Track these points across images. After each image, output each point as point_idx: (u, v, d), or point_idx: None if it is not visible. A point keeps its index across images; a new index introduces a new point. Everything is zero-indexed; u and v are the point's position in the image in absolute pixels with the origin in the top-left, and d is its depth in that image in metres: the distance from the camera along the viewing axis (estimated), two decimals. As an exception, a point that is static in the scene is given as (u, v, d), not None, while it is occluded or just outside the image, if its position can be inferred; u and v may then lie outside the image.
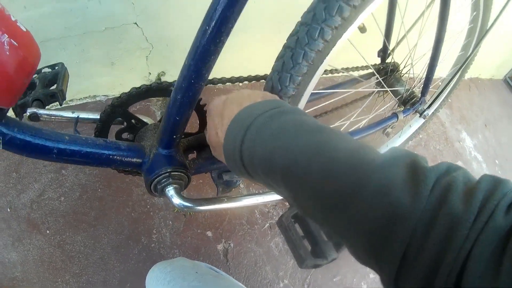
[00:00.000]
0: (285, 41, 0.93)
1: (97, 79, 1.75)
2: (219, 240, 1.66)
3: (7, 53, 0.56)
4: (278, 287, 1.65)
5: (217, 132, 0.73)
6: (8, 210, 1.50)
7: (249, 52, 1.98)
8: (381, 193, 0.45)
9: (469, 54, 1.52)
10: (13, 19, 0.58)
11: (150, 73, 1.84)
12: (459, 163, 2.40)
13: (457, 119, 2.77)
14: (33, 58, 0.63)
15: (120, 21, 1.54)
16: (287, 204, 1.81)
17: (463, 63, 1.51)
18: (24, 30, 0.60)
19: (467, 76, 3.18)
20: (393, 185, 0.45)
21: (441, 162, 0.49)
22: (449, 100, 2.54)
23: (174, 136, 0.86)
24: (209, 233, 1.66)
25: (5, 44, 0.56)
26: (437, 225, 0.42)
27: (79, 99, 1.79)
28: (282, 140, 0.57)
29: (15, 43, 0.57)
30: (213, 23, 0.68)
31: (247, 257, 1.67)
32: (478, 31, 1.55)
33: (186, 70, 0.75)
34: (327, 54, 0.90)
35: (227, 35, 0.72)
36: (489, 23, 1.51)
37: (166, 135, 0.86)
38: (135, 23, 1.58)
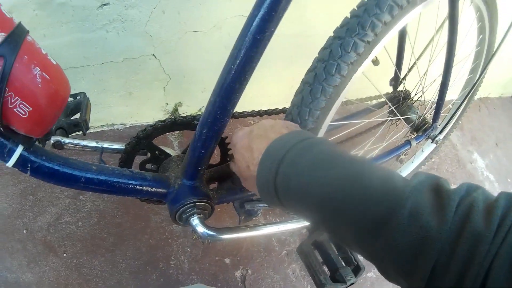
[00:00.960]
0: (303, 77, 0.96)
1: (115, 108, 1.78)
2: (237, 267, 1.67)
3: (40, 85, 0.60)
4: (294, 313, 1.65)
5: (248, 166, 0.75)
6: (24, 231, 1.52)
7: (263, 86, 2.01)
8: (412, 218, 0.49)
9: (477, 77, 1.54)
10: (43, 52, 0.62)
11: (167, 103, 1.87)
12: (471, 185, 2.41)
13: (468, 141, 2.78)
14: (64, 91, 0.66)
15: (138, 52, 1.58)
16: (303, 231, 1.83)
17: (472, 86, 1.54)
18: (54, 63, 0.64)
19: (477, 96, 3.18)
20: (422, 210, 0.49)
21: (461, 184, 0.53)
22: (460, 122, 2.56)
23: (199, 168, 0.89)
24: (227, 260, 1.68)
25: (37, 77, 0.59)
26: (461, 242, 0.45)
27: (96, 127, 1.82)
28: (317, 172, 0.60)
29: (47, 76, 0.60)
30: (238, 62, 0.72)
31: (264, 283, 1.68)
32: (485, 53, 1.58)
33: (211, 106, 0.78)
34: (344, 88, 0.94)
35: (251, 73, 0.76)
36: (495, 45, 1.55)
37: (191, 167, 0.89)
38: (153, 54, 1.61)
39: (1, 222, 1.52)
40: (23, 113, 0.60)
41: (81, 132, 0.97)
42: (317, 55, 0.95)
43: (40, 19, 1.30)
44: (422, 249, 0.48)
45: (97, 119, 1.81)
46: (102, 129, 1.84)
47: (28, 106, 0.59)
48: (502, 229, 0.44)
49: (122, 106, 1.78)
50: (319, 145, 0.65)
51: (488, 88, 3.21)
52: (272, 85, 1.95)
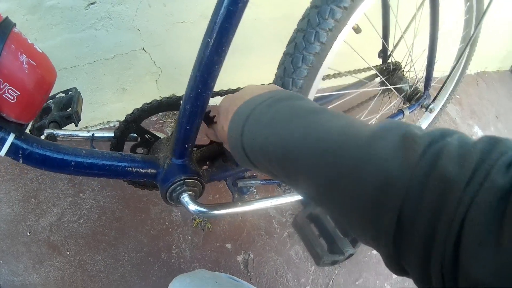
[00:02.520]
0: (284, 49, 0.97)
1: (110, 106, 1.79)
2: (239, 251, 1.68)
3: (26, 71, 0.62)
4: (301, 294, 1.66)
5: (223, 126, 0.75)
6: (28, 234, 1.53)
7: (250, 71, 2.02)
8: (372, 165, 0.45)
9: (466, 43, 1.54)
10: (29, 41, 0.64)
11: (161, 96, 1.86)
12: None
13: (468, 115, 2.77)
14: (50, 76, 0.68)
15: (128, 47, 1.59)
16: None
17: (462, 53, 1.55)
18: (40, 51, 0.66)
19: (473, 70, 3.17)
20: (383, 155, 0.44)
21: (436, 128, 0.47)
22: (458, 96, 2.56)
23: (186, 145, 0.90)
24: (228, 246, 1.69)
25: (24, 63, 0.61)
26: (428, 190, 0.40)
27: (93, 126, 1.83)
28: (275, 127, 0.59)
29: (33, 62, 0.62)
30: (214, 35, 0.73)
31: (267, 266, 1.68)
32: (474, 21, 1.58)
33: (192, 81, 0.79)
34: (325, 56, 0.94)
35: (228, 45, 0.76)
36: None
37: (179, 145, 0.90)
38: (143, 48, 1.62)
39: (5, 227, 1.54)
40: (12, 98, 0.62)
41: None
42: (296, 26, 0.95)
43: (31, 23, 1.31)
44: (384, 199, 0.43)
45: (93, 117, 1.82)
46: (99, 127, 1.85)
47: (16, 91, 0.62)
48: (479, 174, 0.38)
49: (117, 103, 1.79)
50: (284, 100, 0.64)
51: (484, 62, 3.20)
52: (259, 70, 1.95)
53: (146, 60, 1.68)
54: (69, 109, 1.03)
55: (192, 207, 0.91)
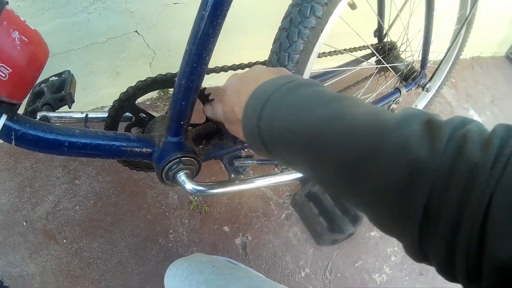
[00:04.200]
0: (280, 24, 0.96)
1: (103, 90, 1.78)
2: (237, 234, 1.68)
3: (19, 48, 0.61)
4: (299, 277, 1.65)
5: (233, 108, 0.72)
6: (24, 224, 1.53)
7: (245, 51, 2.01)
8: (399, 151, 0.44)
9: (462, 24, 1.53)
10: (22, 19, 0.63)
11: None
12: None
13: (463, 98, 2.77)
14: (42, 53, 0.67)
15: (121, 30, 1.57)
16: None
17: (457, 34, 1.54)
18: (33, 28, 0.65)
19: (469, 55, 3.17)
20: (410, 142, 0.44)
21: (455, 116, 0.48)
22: (453, 80, 2.55)
23: (182, 123, 0.88)
24: (226, 228, 1.68)
25: (16, 40, 0.60)
26: (456, 174, 0.41)
27: (87, 111, 1.82)
28: (300, 113, 0.57)
29: (25, 39, 0.61)
30: (209, 8, 0.71)
31: (266, 249, 1.68)
32: (470, 1, 1.56)
33: (187, 55, 0.78)
34: (321, 31, 0.93)
35: (223, 17, 0.74)
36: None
37: (174, 122, 0.88)
38: (136, 31, 1.60)
39: (1, 218, 1.53)
40: (3, 75, 0.61)
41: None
42: (291, 1, 0.94)
43: (23, 9, 1.30)
44: (412, 185, 0.43)
45: (87, 103, 1.80)
46: (93, 112, 1.83)
47: (8, 68, 0.61)
48: (501, 159, 0.39)
49: (110, 87, 1.78)
50: (305, 86, 0.62)
51: (480, 47, 3.20)
52: (253, 51, 1.93)
53: (140, 42, 1.67)
54: (62, 91, 1.01)
55: (189, 185, 0.89)
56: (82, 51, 1.55)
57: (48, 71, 1.08)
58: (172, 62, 1.81)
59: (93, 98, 1.79)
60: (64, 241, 1.52)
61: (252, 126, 0.63)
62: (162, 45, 1.74)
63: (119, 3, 1.46)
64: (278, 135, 0.59)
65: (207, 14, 0.72)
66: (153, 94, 1.99)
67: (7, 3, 0.60)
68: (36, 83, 1.05)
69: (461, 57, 1.85)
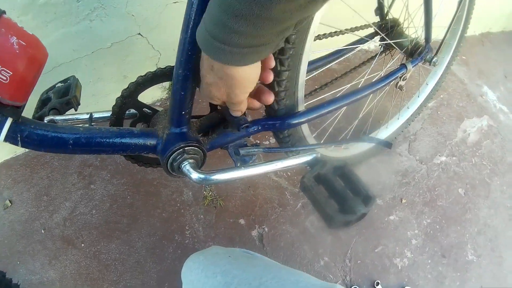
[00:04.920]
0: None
1: (112, 95, 1.75)
2: (253, 226, 1.68)
3: (17, 51, 0.63)
4: (318, 265, 1.64)
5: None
6: (42, 231, 1.56)
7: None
8: None
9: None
10: (19, 26, 0.65)
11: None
12: (485, 117, 2.39)
13: (476, 75, 2.72)
14: (40, 54, 0.69)
15: (125, 34, 1.58)
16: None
17: (459, 5, 1.53)
18: (30, 33, 0.66)
19: (477, 31, 3.11)
20: None
21: None
22: (464, 57, 2.51)
23: (183, 113, 0.88)
24: (241, 221, 1.68)
25: (15, 44, 0.62)
26: None
27: (96, 111, 1.84)
28: None
29: (23, 43, 0.63)
30: (198, -6, 0.70)
31: (283, 239, 1.67)
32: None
33: (182, 44, 0.78)
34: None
35: (213, 3, 0.74)
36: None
37: (175, 112, 0.88)
38: (139, 33, 1.61)
39: (20, 228, 1.56)
40: (4, 78, 0.63)
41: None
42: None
43: (25, 23, 1.31)
44: None
45: (97, 109, 1.77)
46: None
47: (9, 71, 0.63)
48: None
49: (119, 92, 1.76)
50: None
51: (489, 23, 3.14)
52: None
53: (144, 44, 1.67)
54: (68, 95, 1.04)
55: (195, 175, 0.89)
56: (88, 58, 1.57)
57: (56, 81, 1.11)
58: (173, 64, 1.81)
59: (103, 104, 1.80)
60: (82, 245, 1.54)
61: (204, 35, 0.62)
62: (166, 45, 1.75)
63: (119, 8, 1.47)
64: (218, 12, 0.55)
65: (197, 1, 0.74)
66: (162, 94, 1.99)
67: (4, 12, 0.63)
68: (43, 91, 1.08)
69: (470, 33, 1.81)
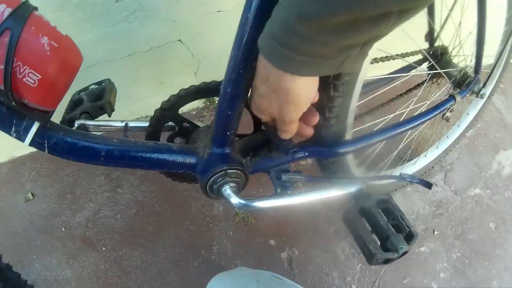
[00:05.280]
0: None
1: (148, 100, 1.77)
2: (283, 248, 1.63)
3: (48, 53, 0.59)
4: (346, 293, 1.59)
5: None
6: (63, 229, 1.55)
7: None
8: None
9: None
10: (51, 25, 0.62)
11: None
12: (522, 149, 2.31)
13: (513, 104, 2.64)
14: (74, 59, 0.65)
15: (164, 39, 1.56)
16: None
17: (509, 35, 1.48)
18: (64, 34, 0.63)
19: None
20: None
21: None
22: (501, 86, 2.43)
23: (228, 133, 0.84)
24: (272, 242, 1.64)
25: (46, 45, 0.59)
26: None
27: (132, 121, 1.83)
28: None
29: (55, 44, 0.60)
30: (254, 10, 0.68)
31: (312, 264, 1.62)
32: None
33: (232, 61, 0.74)
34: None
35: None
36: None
37: (219, 132, 0.84)
38: (179, 40, 1.59)
39: (40, 222, 1.56)
40: (32, 81, 0.60)
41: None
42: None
43: (61, 20, 1.30)
44: None
45: (132, 112, 1.81)
46: (137, 122, 1.84)
47: (37, 74, 0.59)
48: None
49: (155, 97, 1.76)
50: None
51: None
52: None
53: (184, 51, 1.65)
54: (102, 99, 1.00)
55: (235, 200, 0.85)
56: (124, 60, 1.55)
57: (89, 81, 1.08)
58: (217, 71, 1.77)
59: (137, 108, 1.79)
60: (103, 248, 1.52)
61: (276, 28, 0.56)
62: (207, 54, 1.72)
63: (160, 12, 1.45)
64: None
65: (252, 17, 0.68)
66: (199, 103, 1.98)
67: (36, 8, 0.60)
68: (76, 91, 1.05)
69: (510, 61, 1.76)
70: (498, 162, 2.19)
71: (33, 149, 1.67)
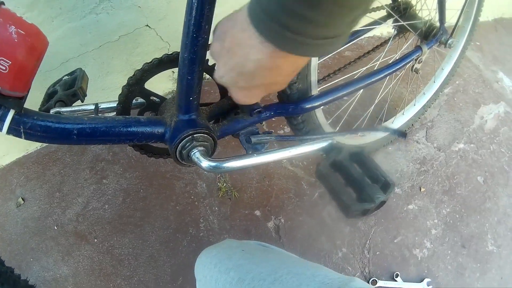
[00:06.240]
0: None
1: (123, 89, 1.78)
2: (269, 217, 1.65)
3: (16, 40, 0.62)
4: (336, 257, 1.61)
5: (229, 36, 0.58)
6: (55, 228, 1.55)
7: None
8: None
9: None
10: (18, 15, 0.64)
11: (173, 72, 1.86)
12: (502, 104, 2.34)
13: (490, 61, 2.66)
14: (40, 43, 0.68)
15: (132, 26, 1.56)
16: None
17: None
18: (30, 22, 0.66)
19: (490, 17, 3.06)
20: None
21: None
22: (478, 43, 2.46)
23: (191, 98, 0.85)
24: (257, 212, 1.65)
25: (13, 34, 0.62)
26: None
27: (102, 102, 1.84)
28: None
29: (22, 31, 0.63)
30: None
31: (300, 230, 1.64)
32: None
33: (186, 27, 0.76)
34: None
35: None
36: None
37: (183, 98, 0.86)
38: (147, 25, 1.59)
39: (33, 225, 1.57)
40: (4, 68, 0.63)
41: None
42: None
43: (32, 20, 1.27)
44: None
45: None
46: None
47: (7, 60, 0.62)
48: None
49: (130, 85, 1.78)
50: None
51: (501, 8, 3.09)
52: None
53: (152, 36, 1.66)
54: (74, 87, 1.02)
55: (205, 163, 0.86)
56: (96, 52, 1.55)
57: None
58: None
59: (113, 98, 1.78)
60: (95, 240, 1.53)
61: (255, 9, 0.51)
62: (175, 36, 1.72)
63: (125, 0, 1.45)
64: None
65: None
66: (174, 86, 1.98)
67: (3, 3, 0.64)
68: (50, 84, 1.06)
69: (483, 19, 1.77)
70: (480, 117, 2.22)
71: (19, 155, 1.70)
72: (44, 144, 1.75)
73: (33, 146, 1.75)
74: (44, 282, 1.44)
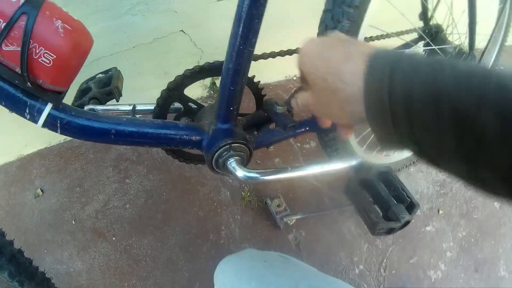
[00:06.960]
0: (323, 7, 0.94)
1: (152, 91, 1.76)
2: (290, 230, 1.64)
3: (62, 35, 0.62)
4: (353, 273, 1.61)
5: (325, 77, 0.55)
6: (73, 222, 1.56)
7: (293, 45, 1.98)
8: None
9: (504, 2, 1.50)
10: (64, 10, 0.66)
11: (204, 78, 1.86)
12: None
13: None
14: (86, 41, 0.69)
15: (167, 30, 1.58)
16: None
17: (501, 13, 1.52)
18: (76, 18, 0.67)
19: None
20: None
21: None
22: (501, 67, 2.44)
23: (231, 108, 0.87)
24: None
25: (59, 28, 0.62)
26: None
27: (139, 103, 1.86)
28: (444, 73, 0.44)
29: (68, 27, 0.63)
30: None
31: (319, 244, 1.64)
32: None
33: (233, 38, 0.77)
34: (365, 10, 0.90)
35: (266, -2, 0.72)
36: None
37: (223, 108, 0.87)
38: (182, 30, 1.61)
39: (49, 217, 1.57)
40: (47, 61, 0.62)
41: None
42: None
43: None
44: None
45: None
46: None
47: (52, 54, 0.62)
48: None
49: (159, 88, 1.77)
50: (413, 55, 0.48)
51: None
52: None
53: (186, 41, 1.67)
54: (109, 86, 1.03)
55: (240, 173, 0.87)
56: (129, 52, 1.57)
57: (96, 73, 1.11)
58: (220, 59, 1.81)
59: (143, 99, 1.80)
60: (113, 238, 1.54)
61: (380, 90, 0.47)
62: (209, 43, 1.74)
63: (162, 3, 1.47)
64: (419, 97, 0.44)
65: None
66: (203, 92, 2.00)
67: None
68: (83, 81, 1.08)
69: (508, 43, 1.77)
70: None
71: (41, 147, 1.71)
72: (68, 138, 1.77)
73: (56, 139, 1.76)
74: (56, 274, 1.44)
